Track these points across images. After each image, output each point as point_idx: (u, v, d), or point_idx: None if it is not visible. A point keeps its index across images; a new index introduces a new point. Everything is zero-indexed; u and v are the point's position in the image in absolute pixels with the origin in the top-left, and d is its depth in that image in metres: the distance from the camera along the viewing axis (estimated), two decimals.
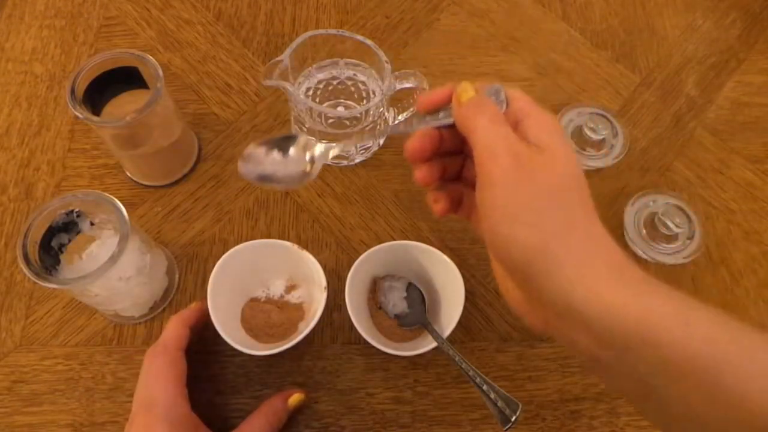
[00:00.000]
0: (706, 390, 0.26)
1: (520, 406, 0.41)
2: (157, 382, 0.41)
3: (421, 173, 0.35)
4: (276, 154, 0.38)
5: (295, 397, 0.45)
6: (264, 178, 0.37)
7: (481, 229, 0.32)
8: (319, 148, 0.38)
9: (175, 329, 0.44)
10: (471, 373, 0.43)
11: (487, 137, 0.31)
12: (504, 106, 0.33)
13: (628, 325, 0.27)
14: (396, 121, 0.58)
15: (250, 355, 0.44)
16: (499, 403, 0.41)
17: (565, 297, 0.28)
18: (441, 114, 0.34)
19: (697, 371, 0.26)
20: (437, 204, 0.37)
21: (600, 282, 0.28)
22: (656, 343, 0.27)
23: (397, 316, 0.49)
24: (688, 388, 0.27)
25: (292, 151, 0.38)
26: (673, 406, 0.28)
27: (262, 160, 0.37)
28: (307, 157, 0.38)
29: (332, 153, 0.38)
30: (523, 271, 0.30)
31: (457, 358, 0.44)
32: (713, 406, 0.26)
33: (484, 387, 0.42)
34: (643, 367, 0.27)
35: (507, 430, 0.41)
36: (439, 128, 0.35)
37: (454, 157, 0.37)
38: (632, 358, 0.27)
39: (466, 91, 0.33)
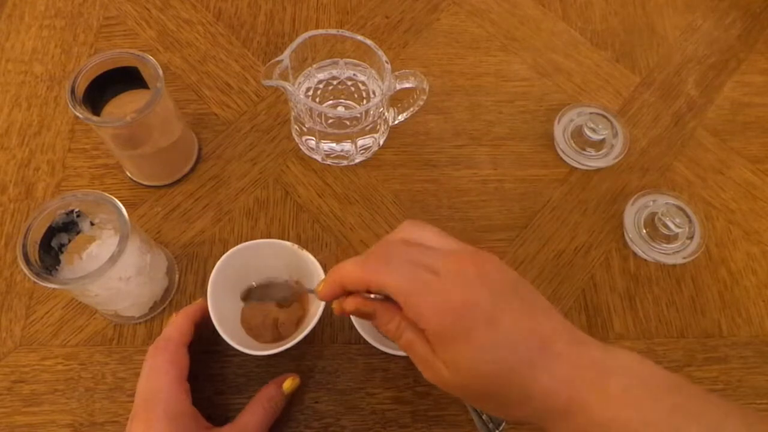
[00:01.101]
0: None
1: (504, 422, 0.41)
2: (159, 377, 0.41)
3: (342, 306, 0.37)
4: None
5: (289, 383, 0.45)
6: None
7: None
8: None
9: (179, 324, 0.44)
10: None
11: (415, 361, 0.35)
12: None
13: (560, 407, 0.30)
14: (397, 121, 0.59)
15: (250, 355, 0.44)
16: (484, 416, 0.42)
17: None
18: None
19: None
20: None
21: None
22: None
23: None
24: None
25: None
26: None
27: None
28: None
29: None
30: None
31: None
32: None
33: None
34: None
35: None
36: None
37: None
38: None
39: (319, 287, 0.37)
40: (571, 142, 0.59)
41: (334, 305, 0.38)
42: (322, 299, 0.38)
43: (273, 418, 0.44)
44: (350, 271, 0.35)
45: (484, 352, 0.31)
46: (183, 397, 0.40)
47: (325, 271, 0.46)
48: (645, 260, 0.55)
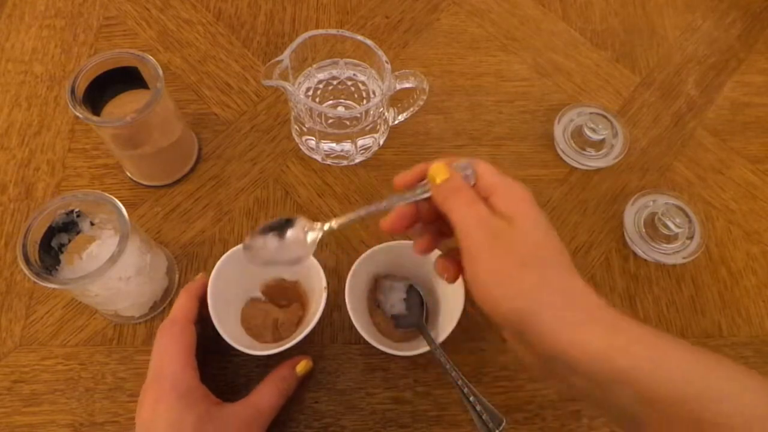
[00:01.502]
0: (692, 426, 0.28)
1: (504, 421, 0.41)
2: (166, 354, 0.42)
3: (419, 245, 0.40)
4: (274, 241, 0.40)
5: (303, 365, 0.46)
6: (268, 263, 0.40)
7: (474, 296, 0.34)
8: (311, 235, 0.40)
9: (183, 302, 0.44)
10: (459, 382, 0.43)
11: (464, 219, 0.34)
12: (472, 180, 0.36)
13: (607, 367, 0.30)
14: (397, 121, 0.59)
15: (250, 355, 0.44)
16: (484, 416, 0.42)
17: (552, 346, 0.31)
18: (418, 190, 0.37)
19: (677, 410, 0.28)
20: (445, 272, 0.38)
21: (579, 331, 0.31)
22: (635, 380, 0.29)
23: (394, 317, 0.49)
24: (672, 421, 0.29)
25: (290, 234, 0.40)
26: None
27: (263, 248, 0.39)
28: (309, 238, 0.40)
29: (334, 225, 0.39)
30: (513, 327, 0.33)
31: (447, 366, 0.44)
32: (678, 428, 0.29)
33: (471, 398, 0.43)
34: (628, 402, 0.30)
35: None
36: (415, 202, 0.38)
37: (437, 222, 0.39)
38: (618, 394, 0.30)
39: (440, 172, 0.36)
40: (571, 142, 0.59)
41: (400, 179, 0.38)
42: (399, 183, 0.38)
43: (285, 399, 0.44)
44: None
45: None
46: (191, 373, 0.41)
47: (325, 271, 0.46)
48: (645, 260, 0.55)
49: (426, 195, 0.37)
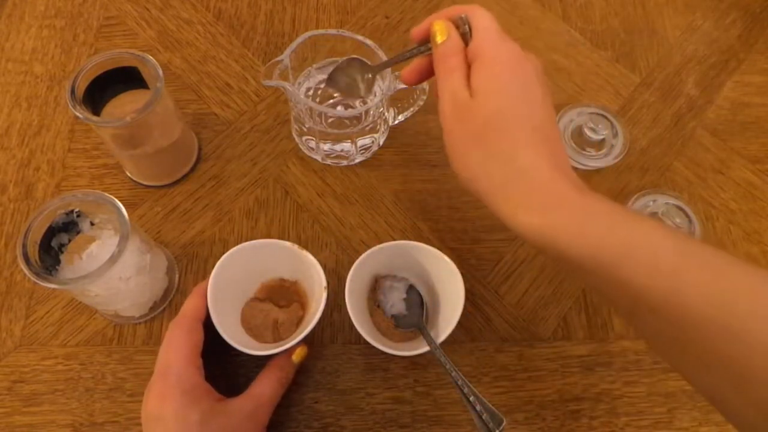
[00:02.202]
0: (609, 283, 0.31)
1: (505, 421, 0.41)
2: (172, 350, 0.42)
3: (407, 72, 0.43)
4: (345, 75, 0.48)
5: (299, 352, 0.46)
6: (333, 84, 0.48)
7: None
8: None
9: (193, 301, 0.45)
10: (459, 382, 0.43)
11: (441, 90, 0.37)
12: (468, 37, 0.38)
13: (537, 238, 0.33)
14: (397, 121, 0.59)
15: (250, 355, 0.44)
16: (484, 416, 0.42)
17: (497, 215, 0.35)
18: (430, 44, 0.40)
19: (598, 270, 0.31)
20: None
21: (515, 208, 0.34)
22: (559, 249, 0.33)
23: (394, 317, 0.49)
24: (595, 281, 0.32)
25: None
26: (592, 291, 0.36)
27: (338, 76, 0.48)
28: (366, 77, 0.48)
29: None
30: (473, 194, 0.37)
31: (447, 366, 0.44)
32: (619, 296, 0.32)
33: (471, 398, 0.42)
34: (560, 263, 0.34)
35: None
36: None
37: None
38: (550, 257, 0.34)
39: (440, 31, 0.39)
40: (571, 142, 0.59)
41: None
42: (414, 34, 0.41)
43: (284, 388, 0.45)
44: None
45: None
46: (194, 371, 0.42)
47: (325, 271, 0.46)
48: None
49: (430, 51, 0.40)
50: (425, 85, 0.54)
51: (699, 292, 0.29)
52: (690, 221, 0.54)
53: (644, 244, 0.31)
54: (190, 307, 0.45)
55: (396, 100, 0.58)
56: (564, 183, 0.34)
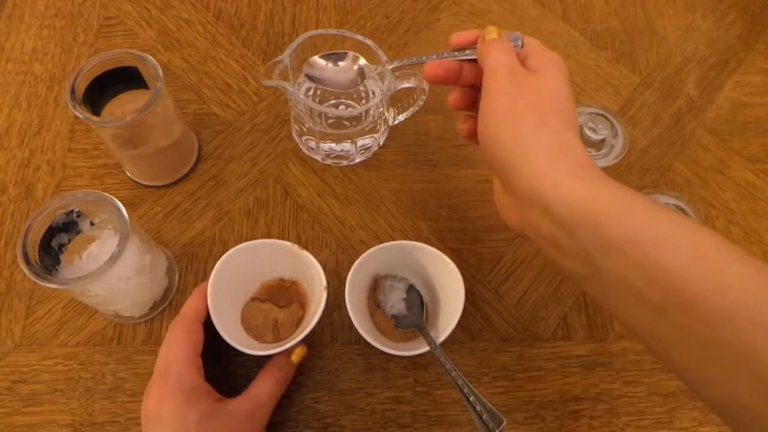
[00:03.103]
0: (644, 268, 0.29)
1: (505, 421, 0.41)
2: (172, 350, 0.42)
3: (453, 96, 0.45)
4: (332, 65, 0.50)
5: (298, 352, 0.46)
6: (320, 81, 0.50)
7: (478, 135, 0.38)
8: (362, 62, 0.50)
9: (194, 301, 0.45)
10: (459, 382, 0.43)
11: (494, 62, 0.38)
12: (519, 48, 0.41)
13: (576, 208, 0.32)
14: (397, 121, 0.59)
15: (250, 355, 0.44)
16: (484, 416, 0.42)
17: (531, 186, 0.34)
18: (467, 51, 0.42)
19: (635, 249, 0.29)
20: (464, 124, 0.43)
21: (559, 175, 0.33)
22: (598, 222, 0.31)
23: (394, 317, 0.49)
24: (627, 266, 0.30)
25: (342, 63, 0.50)
26: (614, 283, 0.31)
27: (323, 68, 0.50)
28: (356, 67, 0.50)
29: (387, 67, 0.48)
30: (502, 167, 0.36)
31: (447, 366, 0.44)
32: (652, 285, 0.29)
33: (471, 398, 0.43)
34: (589, 245, 0.31)
35: None
36: (461, 61, 0.42)
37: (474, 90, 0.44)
38: (581, 237, 0.32)
39: (491, 32, 0.40)
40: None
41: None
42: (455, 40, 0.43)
43: (284, 388, 0.45)
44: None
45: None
46: (194, 371, 0.42)
47: (325, 271, 0.46)
48: None
49: (472, 56, 0.41)
50: (425, 85, 0.54)
51: (742, 285, 0.27)
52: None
53: (688, 231, 0.29)
54: (190, 308, 0.45)
55: (396, 100, 0.58)
56: (596, 167, 0.35)
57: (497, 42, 0.40)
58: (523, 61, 0.39)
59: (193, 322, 0.44)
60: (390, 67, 0.48)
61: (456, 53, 0.42)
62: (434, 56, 0.43)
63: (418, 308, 0.50)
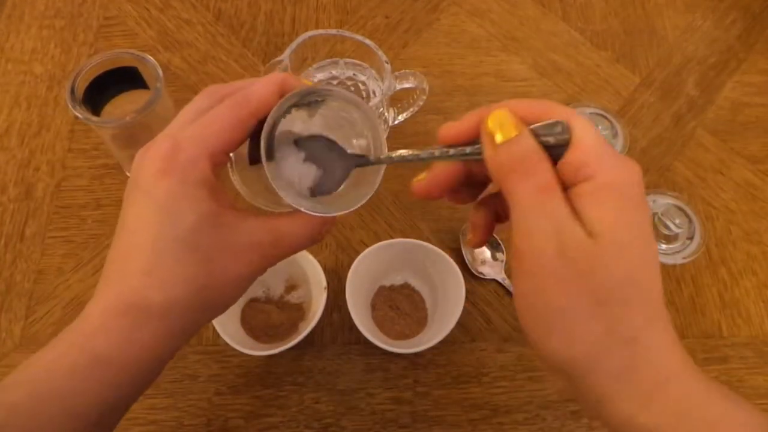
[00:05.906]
0: None
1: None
2: (203, 119, 0.30)
3: (475, 237, 0.32)
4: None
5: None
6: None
7: (521, 322, 0.28)
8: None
9: (265, 88, 0.30)
10: (436, 153, 0.30)
11: (530, 214, 0.25)
12: (563, 149, 0.25)
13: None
14: (397, 121, 0.58)
15: (250, 355, 0.44)
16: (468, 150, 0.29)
17: (594, 409, 0.27)
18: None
19: None
20: (474, 238, 0.32)
21: (626, 405, 0.26)
22: None
23: (311, 190, 0.32)
24: None
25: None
26: None
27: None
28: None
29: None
30: (566, 374, 0.27)
31: (410, 156, 0.32)
32: None
33: (451, 152, 0.30)
34: None
35: None
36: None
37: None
38: None
39: (504, 126, 0.26)
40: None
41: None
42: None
43: (312, 243, 0.32)
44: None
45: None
46: (215, 163, 0.30)
47: (325, 271, 0.46)
48: None
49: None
50: (425, 84, 0.54)
51: None
52: (690, 221, 0.54)
53: None
54: (256, 94, 0.30)
55: (396, 100, 0.58)
56: (685, 374, 0.26)
57: (524, 167, 0.25)
58: (570, 185, 0.26)
59: (252, 107, 0.29)
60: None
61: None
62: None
63: (338, 161, 0.33)
